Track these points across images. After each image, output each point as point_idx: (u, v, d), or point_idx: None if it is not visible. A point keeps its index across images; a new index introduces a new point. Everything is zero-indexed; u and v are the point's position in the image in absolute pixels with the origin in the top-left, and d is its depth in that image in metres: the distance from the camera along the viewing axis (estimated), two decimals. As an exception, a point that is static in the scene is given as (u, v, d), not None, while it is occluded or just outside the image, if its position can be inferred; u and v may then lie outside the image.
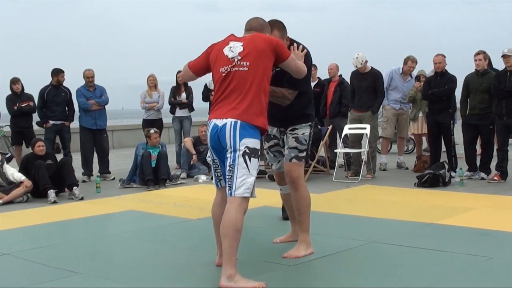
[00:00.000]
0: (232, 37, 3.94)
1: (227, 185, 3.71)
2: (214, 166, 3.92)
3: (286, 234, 4.79)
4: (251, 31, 3.97)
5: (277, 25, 4.26)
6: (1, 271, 4.35)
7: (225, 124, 3.67)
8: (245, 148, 3.64)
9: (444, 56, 8.63)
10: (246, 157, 3.65)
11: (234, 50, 3.81)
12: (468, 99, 8.32)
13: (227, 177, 3.70)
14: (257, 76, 3.75)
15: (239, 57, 3.77)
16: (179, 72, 10.01)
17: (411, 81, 9.66)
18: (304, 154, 4.35)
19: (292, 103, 4.28)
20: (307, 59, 4.30)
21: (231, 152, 3.66)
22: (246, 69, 3.74)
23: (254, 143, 3.69)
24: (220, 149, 3.77)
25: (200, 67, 4.05)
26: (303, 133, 4.34)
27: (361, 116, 8.93)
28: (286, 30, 4.33)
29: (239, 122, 3.66)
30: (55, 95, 9.49)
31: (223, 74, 3.79)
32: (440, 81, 8.51)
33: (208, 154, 3.98)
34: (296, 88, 4.26)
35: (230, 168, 3.65)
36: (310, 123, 4.40)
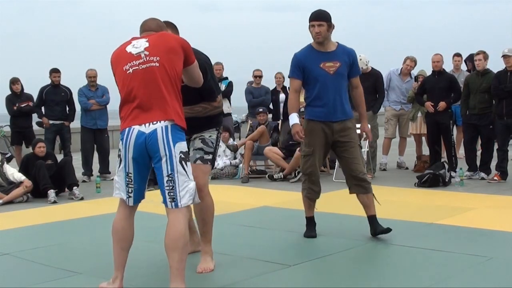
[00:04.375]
0: (134, 38, 3.59)
1: (167, 197, 3.35)
2: (127, 180, 3.46)
3: None
4: (149, 32, 3.59)
5: (171, 27, 4.00)
6: (1, 271, 4.35)
7: (155, 130, 3.31)
8: (180, 153, 3.35)
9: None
10: (183, 162, 3.37)
11: (138, 46, 3.44)
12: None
13: (166, 188, 3.35)
14: (170, 72, 3.39)
15: (146, 52, 3.39)
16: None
17: (411, 81, 9.66)
18: (210, 157, 4.10)
19: (199, 112, 4.01)
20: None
21: (166, 160, 3.32)
22: (157, 64, 3.37)
23: (185, 146, 3.44)
24: (142, 161, 3.40)
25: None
26: (210, 136, 4.12)
27: (362, 116, 8.93)
28: (178, 33, 4.07)
29: (169, 125, 3.34)
30: (54, 94, 9.49)
31: (128, 72, 3.40)
32: (438, 80, 8.51)
33: (120, 167, 3.48)
34: (218, 95, 4.06)
35: (170, 178, 3.33)
36: (217, 128, 4.18)
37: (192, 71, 3.63)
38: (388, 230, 4.80)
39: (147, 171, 3.51)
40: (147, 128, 3.32)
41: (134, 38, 3.58)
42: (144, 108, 3.36)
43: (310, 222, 5.13)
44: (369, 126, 4.75)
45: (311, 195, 5.11)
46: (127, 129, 3.38)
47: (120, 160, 3.48)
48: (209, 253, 4.15)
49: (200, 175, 3.95)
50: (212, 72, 4.16)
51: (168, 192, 3.36)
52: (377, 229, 4.81)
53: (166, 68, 3.39)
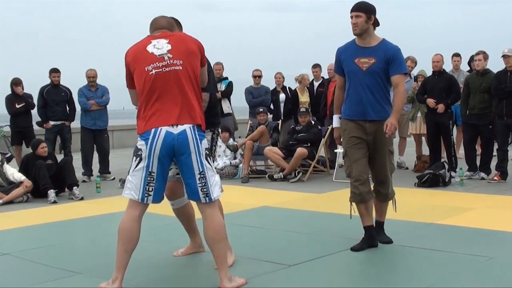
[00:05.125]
0: (151, 37, 3.63)
1: (200, 193, 3.50)
2: (149, 179, 3.50)
3: (186, 247, 4.52)
4: (161, 30, 3.68)
5: (177, 24, 4.00)
6: (1, 271, 4.35)
7: (184, 130, 3.45)
8: (205, 150, 3.53)
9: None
10: (208, 158, 3.56)
11: (160, 47, 3.51)
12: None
13: (199, 185, 3.50)
14: (192, 75, 3.52)
15: (170, 55, 3.48)
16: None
17: (411, 81, 9.66)
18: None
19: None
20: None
21: (195, 158, 3.47)
22: (181, 68, 3.49)
23: (206, 143, 3.61)
24: (167, 162, 3.51)
25: (132, 81, 3.63)
26: (207, 140, 4.04)
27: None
28: (182, 29, 4.09)
29: (195, 126, 3.50)
30: (54, 94, 9.50)
31: (151, 73, 3.47)
32: (438, 80, 8.52)
33: (139, 166, 3.51)
34: (208, 91, 4.03)
35: (202, 175, 3.49)
36: (212, 129, 4.17)
37: (203, 72, 3.72)
38: (389, 241, 4.68)
39: (167, 172, 3.61)
40: (175, 129, 3.44)
41: (152, 37, 3.62)
42: (169, 110, 3.45)
43: (369, 232, 4.61)
44: (396, 123, 4.48)
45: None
46: (153, 129, 3.44)
47: (140, 160, 3.51)
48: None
49: None
50: (210, 70, 4.11)
51: (201, 188, 3.51)
52: (379, 238, 4.68)
53: (189, 71, 3.51)
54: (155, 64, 3.46)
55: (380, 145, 4.59)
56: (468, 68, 10.25)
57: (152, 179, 3.50)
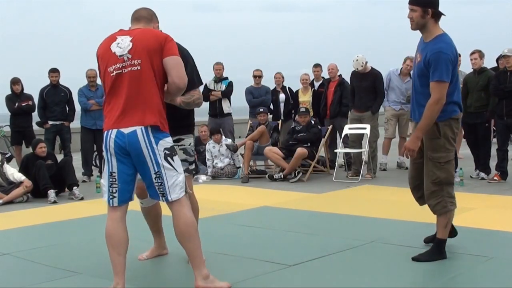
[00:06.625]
0: (120, 32, 3.60)
1: (158, 192, 3.47)
2: (111, 180, 3.47)
3: (150, 249, 4.49)
4: (139, 20, 3.66)
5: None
6: (1, 271, 4.35)
7: (134, 131, 3.38)
8: (164, 150, 3.44)
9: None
10: (169, 158, 3.46)
11: (122, 46, 3.47)
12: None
13: (155, 184, 3.46)
14: (151, 74, 3.43)
15: (129, 55, 3.43)
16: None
17: (410, 81, 9.65)
18: (193, 166, 4.12)
19: (176, 112, 3.87)
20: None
21: (151, 158, 3.41)
22: (139, 68, 3.42)
23: (169, 141, 3.49)
24: (125, 159, 3.45)
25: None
26: (190, 144, 4.11)
27: (361, 116, 8.95)
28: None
29: (149, 128, 3.40)
30: (54, 94, 9.51)
31: (112, 74, 3.45)
32: None
33: (105, 168, 3.51)
34: (197, 87, 4.00)
35: (157, 175, 3.43)
36: (192, 132, 4.17)
37: (170, 64, 3.47)
38: (420, 260, 4.20)
39: (131, 170, 3.50)
40: (126, 130, 3.39)
41: (121, 32, 3.59)
42: (124, 111, 3.41)
43: (443, 244, 4.27)
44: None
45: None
46: (105, 132, 3.46)
47: (105, 162, 3.53)
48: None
49: (190, 184, 4.08)
50: (193, 64, 4.03)
51: (158, 188, 3.46)
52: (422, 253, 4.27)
53: (148, 71, 3.42)
54: (116, 65, 3.45)
55: (424, 151, 4.19)
56: (496, 65, 10.19)
57: (114, 179, 3.47)
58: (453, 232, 4.48)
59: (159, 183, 3.45)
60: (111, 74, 3.46)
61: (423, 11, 4.04)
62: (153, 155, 3.41)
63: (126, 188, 3.50)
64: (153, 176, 3.44)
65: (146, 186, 3.55)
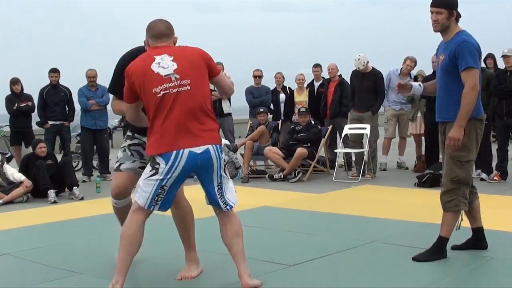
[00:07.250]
0: (155, 51, 3.52)
1: (220, 203, 3.59)
2: (159, 191, 3.46)
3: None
4: (162, 39, 3.57)
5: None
6: (1, 271, 4.35)
7: (207, 149, 3.43)
8: (224, 163, 3.60)
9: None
10: (225, 167, 3.64)
11: (165, 66, 3.43)
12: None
13: (217, 195, 3.56)
14: (201, 93, 3.47)
15: (177, 76, 3.41)
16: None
17: (410, 81, 9.65)
18: None
19: None
20: None
21: (217, 172, 3.52)
22: (189, 88, 3.42)
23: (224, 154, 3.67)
24: (184, 178, 3.50)
25: (132, 95, 3.54)
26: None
27: (361, 116, 8.95)
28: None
29: (217, 145, 3.50)
30: (53, 94, 9.51)
31: (159, 95, 3.39)
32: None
33: (153, 178, 3.45)
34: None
35: (219, 187, 3.56)
36: None
37: (221, 81, 3.73)
38: (420, 260, 4.20)
39: (179, 185, 3.62)
40: (198, 149, 3.41)
41: (154, 51, 3.51)
42: (184, 130, 3.40)
43: (445, 243, 4.26)
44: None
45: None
46: (174, 152, 3.38)
47: (155, 173, 3.44)
48: (194, 260, 4.02)
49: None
50: None
51: (220, 198, 3.58)
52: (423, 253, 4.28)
53: (198, 90, 3.46)
54: (163, 86, 3.40)
55: (446, 146, 4.19)
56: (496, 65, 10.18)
57: (163, 191, 3.48)
58: (483, 243, 4.44)
59: (220, 194, 3.58)
60: (158, 95, 3.39)
61: (449, 13, 4.06)
62: (219, 168, 3.53)
63: (170, 199, 3.56)
64: (216, 188, 3.56)
65: (207, 194, 3.60)
